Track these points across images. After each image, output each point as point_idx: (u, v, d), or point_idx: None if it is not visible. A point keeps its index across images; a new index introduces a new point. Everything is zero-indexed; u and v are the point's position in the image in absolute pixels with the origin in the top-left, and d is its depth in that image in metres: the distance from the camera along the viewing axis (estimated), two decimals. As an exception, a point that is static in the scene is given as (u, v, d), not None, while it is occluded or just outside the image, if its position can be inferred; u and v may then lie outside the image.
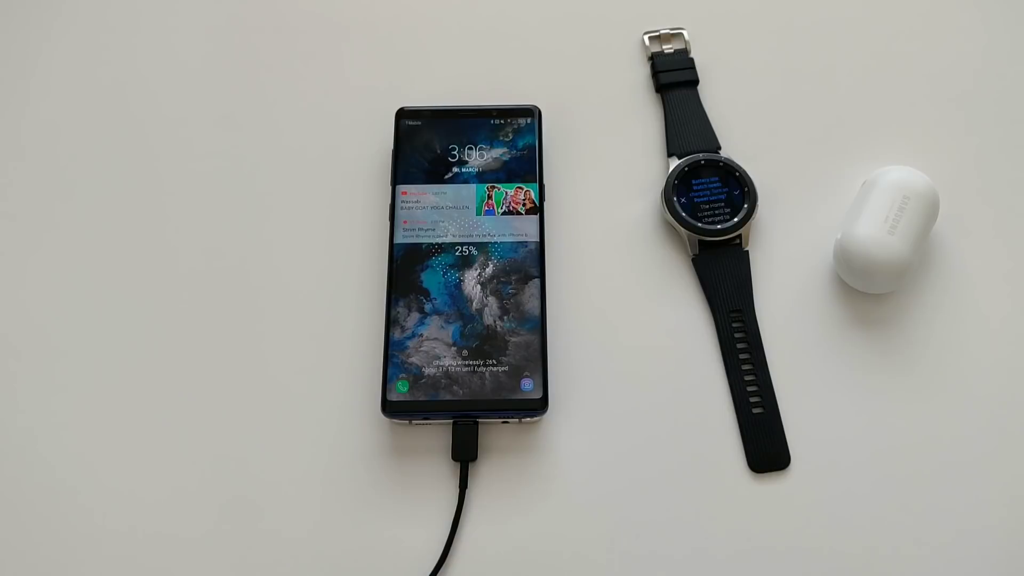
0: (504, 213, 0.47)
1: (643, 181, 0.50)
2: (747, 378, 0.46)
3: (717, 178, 0.48)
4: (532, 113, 0.49)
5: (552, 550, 0.43)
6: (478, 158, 0.48)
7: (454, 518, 0.43)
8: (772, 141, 0.50)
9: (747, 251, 0.48)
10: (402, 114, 0.49)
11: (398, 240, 0.47)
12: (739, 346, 0.46)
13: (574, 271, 0.48)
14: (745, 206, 0.48)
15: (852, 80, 0.52)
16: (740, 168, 0.48)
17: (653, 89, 0.52)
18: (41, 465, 0.45)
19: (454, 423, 0.44)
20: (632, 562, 0.43)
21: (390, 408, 0.44)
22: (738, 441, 0.45)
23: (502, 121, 0.49)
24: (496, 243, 0.47)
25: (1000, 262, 0.48)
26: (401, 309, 0.45)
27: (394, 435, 0.45)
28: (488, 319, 0.45)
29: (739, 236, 0.48)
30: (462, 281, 0.46)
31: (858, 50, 0.52)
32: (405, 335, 0.45)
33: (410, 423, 0.45)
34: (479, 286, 0.46)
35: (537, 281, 0.46)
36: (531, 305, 0.45)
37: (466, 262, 0.46)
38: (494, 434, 0.45)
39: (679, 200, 0.48)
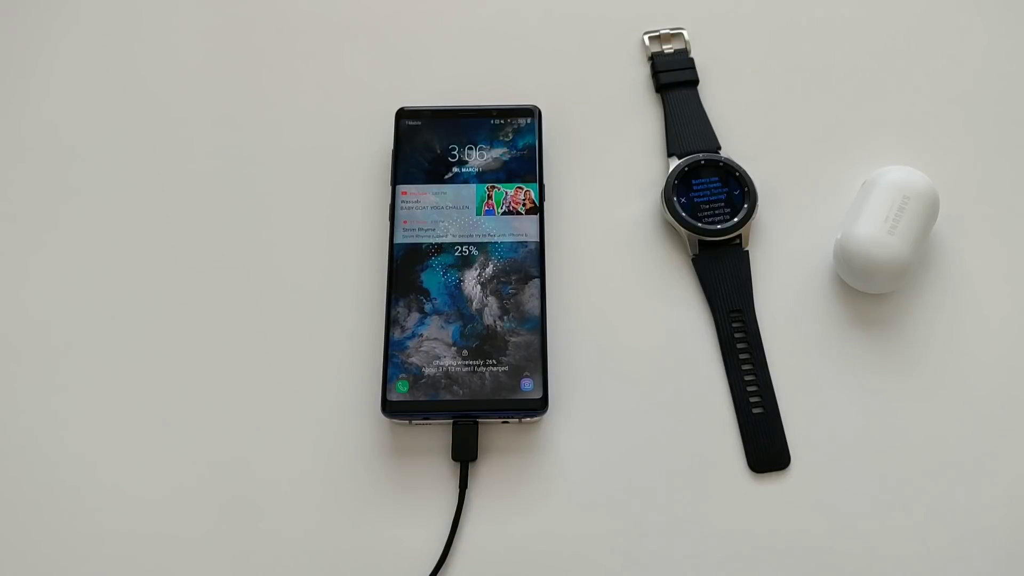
0: (504, 213, 0.47)
1: (643, 181, 0.50)
2: (747, 378, 0.46)
3: (717, 178, 0.48)
4: (532, 113, 0.49)
5: (552, 550, 0.43)
6: (478, 158, 0.48)
7: (454, 518, 0.43)
8: (772, 141, 0.50)
9: (747, 251, 0.48)
10: (402, 114, 0.49)
11: (398, 240, 0.47)
12: (739, 346, 0.46)
13: (574, 271, 0.48)
14: (745, 206, 0.48)
15: (852, 80, 0.52)
16: (740, 168, 0.48)
17: (653, 89, 0.52)
18: (41, 465, 0.45)
19: (454, 423, 0.44)
20: (632, 562, 0.43)
21: (390, 408, 0.44)
22: (738, 441, 0.45)
23: (502, 121, 0.49)
24: (496, 243, 0.47)
25: (1000, 262, 0.48)
26: (401, 309, 0.45)
27: (394, 435, 0.45)
28: (488, 319, 0.45)
29: (739, 236, 0.48)
30: (462, 281, 0.46)
31: (858, 50, 0.52)
32: (405, 335, 0.45)
33: (410, 423, 0.45)
34: (479, 286, 0.46)
35: (537, 281, 0.46)
36: (531, 305, 0.45)
37: (466, 262, 0.46)
38: (494, 434, 0.45)
39: (679, 200, 0.48)
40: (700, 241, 0.48)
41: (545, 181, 0.49)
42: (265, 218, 0.49)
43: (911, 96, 0.51)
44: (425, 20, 0.53)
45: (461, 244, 0.47)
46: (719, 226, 0.47)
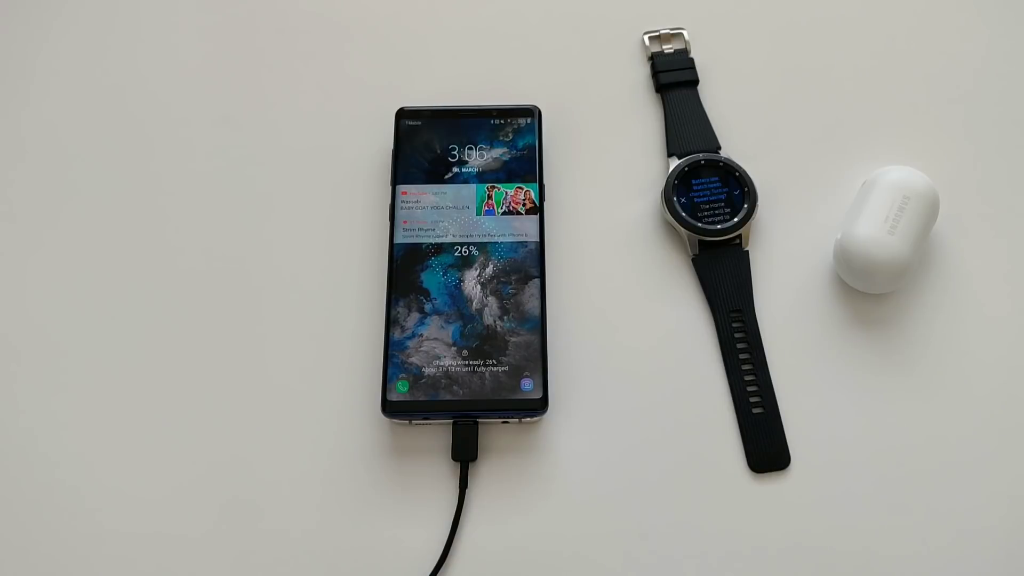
0: (504, 213, 0.47)
1: (643, 181, 0.50)
2: (747, 378, 0.46)
3: (717, 178, 0.48)
4: (532, 113, 0.49)
5: (552, 550, 0.43)
6: (478, 158, 0.48)
7: (454, 518, 0.43)
8: (772, 141, 0.50)
9: (747, 251, 0.48)
10: (402, 114, 0.49)
11: (398, 240, 0.47)
12: (739, 346, 0.46)
13: (574, 271, 0.48)
14: (745, 206, 0.48)
15: (852, 80, 0.52)
16: (740, 168, 0.48)
17: (653, 89, 0.52)
18: (41, 465, 0.45)
19: (454, 423, 0.44)
20: (632, 562, 0.43)
21: (390, 408, 0.44)
22: (738, 441, 0.45)
23: (502, 121, 0.49)
24: (496, 243, 0.47)
25: (1000, 262, 0.48)
26: (401, 309, 0.45)
27: (394, 435, 0.45)
28: (488, 319, 0.45)
29: (739, 236, 0.48)
30: (462, 281, 0.46)
31: (858, 50, 0.52)
32: (405, 335, 0.45)
33: (410, 423, 0.45)
34: (479, 286, 0.46)
35: (537, 281, 0.46)
36: (531, 305, 0.45)
37: (466, 262, 0.46)
38: (494, 434, 0.45)
39: (679, 200, 0.48)
40: (700, 241, 0.48)
41: (545, 181, 0.49)
42: (265, 218, 0.49)
43: (911, 96, 0.51)
44: (425, 20, 0.53)
45: (461, 244, 0.47)
46: (719, 226, 0.47)
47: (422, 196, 0.47)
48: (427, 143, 0.49)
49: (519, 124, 0.49)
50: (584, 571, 0.43)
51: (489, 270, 0.46)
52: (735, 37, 0.53)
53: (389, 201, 0.48)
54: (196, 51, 0.52)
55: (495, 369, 0.44)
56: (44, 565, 0.43)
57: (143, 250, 0.48)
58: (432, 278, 0.46)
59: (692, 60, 0.52)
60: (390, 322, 0.45)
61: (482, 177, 0.48)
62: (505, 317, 0.45)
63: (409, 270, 0.46)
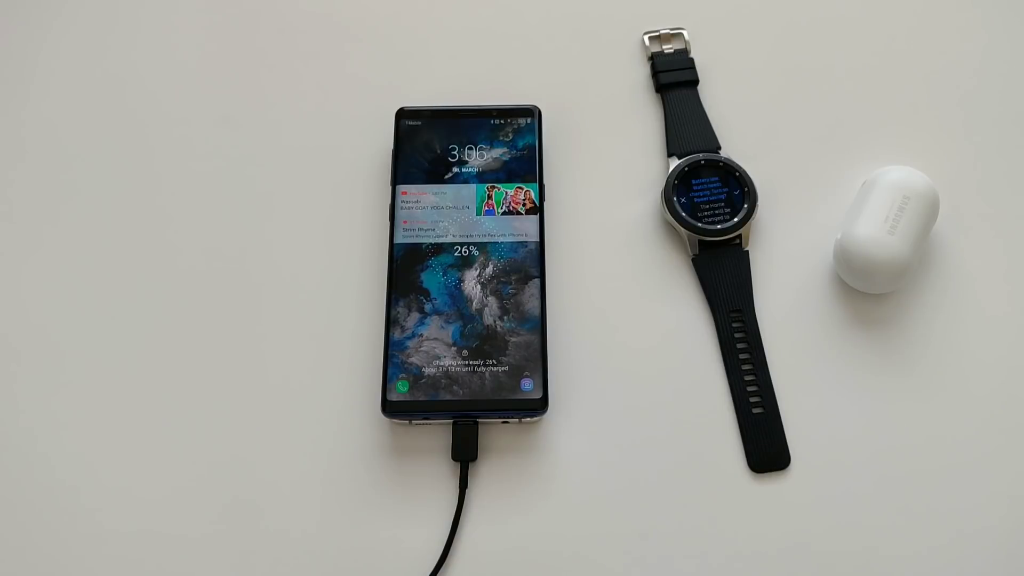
0: (504, 213, 0.47)
1: (643, 181, 0.50)
2: (747, 378, 0.46)
3: (717, 178, 0.48)
4: (532, 113, 0.49)
5: (552, 550, 0.43)
6: (478, 158, 0.48)
7: (454, 518, 0.43)
8: (772, 141, 0.50)
9: (747, 251, 0.48)
10: (402, 114, 0.49)
11: (398, 240, 0.47)
12: (739, 346, 0.46)
13: (574, 271, 0.48)
14: (745, 206, 0.48)
15: (852, 80, 0.52)
16: (740, 168, 0.48)
17: (653, 89, 0.52)
18: (42, 465, 0.45)
19: (454, 423, 0.44)
20: (632, 562, 0.43)
21: (390, 408, 0.44)
22: (738, 441, 0.45)
23: (502, 121, 0.49)
24: (496, 243, 0.47)
25: (1000, 262, 0.48)
26: (401, 309, 0.45)
27: (394, 435, 0.45)
28: (488, 319, 0.45)
29: (739, 236, 0.48)
30: (462, 281, 0.46)
31: (858, 50, 0.52)
32: (405, 335, 0.45)
33: (410, 423, 0.45)
34: (479, 286, 0.46)
35: (537, 281, 0.46)
36: (531, 305, 0.45)
37: (466, 262, 0.46)
38: (494, 434, 0.45)
39: (679, 200, 0.48)
40: (700, 241, 0.48)
41: (545, 181, 0.49)
42: (265, 218, 0.49)
43: (911, 96, 0.51)
44: (425, 20, 0.53)
45: (461, 244, 0.47)
46: (719, 226, 0.47)
47: (422, 196, 0.47)
48: (427, 143, 0.49)
49: (519, 124, 0.49)
50: (584, 571, 0.43)
51: (489, 270, 0.46)
52: (735, 37, 0.53)
53: (389, 201, 0.48)
54: (196, 51, 0.52)
55: (495, 369, 0.44)
56: (44, 565, 0.43)
57: (143, 250, 0.48)
58: (432, 278, 0.46)
59: (692, 60, 0.52)
60: (390, 322, 0.45)
61: (482, 177, 0.48)
62: (505, 317, 0.45)
63: (409, 270, 0.46)
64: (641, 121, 0.51)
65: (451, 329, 0.45)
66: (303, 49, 0.52)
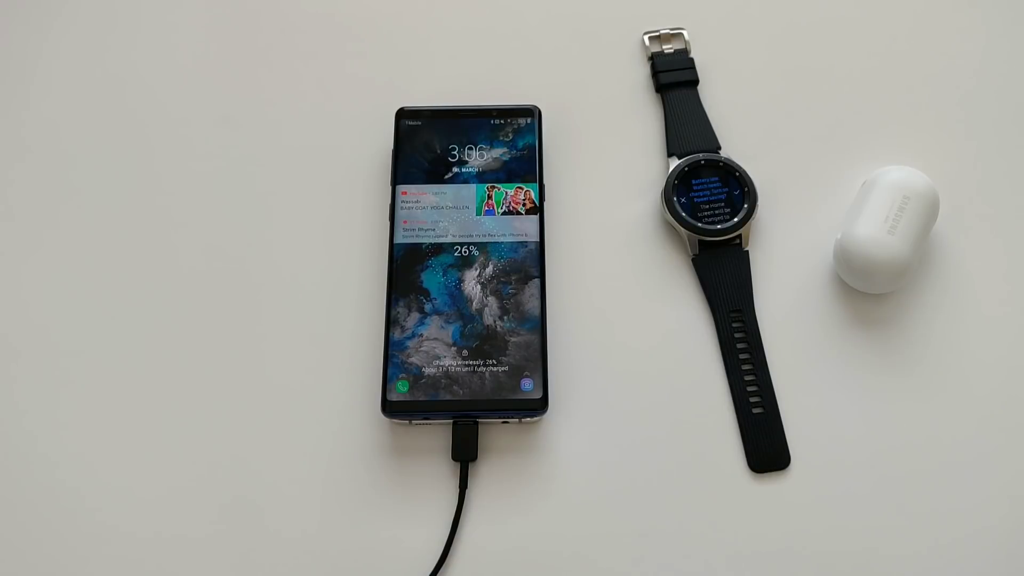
0: (504, 213, 0.47)
1: (643, 181, 0.50)
2: (747, 378, 0.46)
3: (717, 178, 0.48)
4: (532, 113, 0.49)
5: (552, 550, 0.43)
6: (478, 158, 0.48)
7: (454, 518, 0.43)
8: (772, 141, 0.50)
9: (747, 251, 0.48)
10: (402, 114, 0.49)
11: (398, 240, 0.47)
12: (739, 346, 0.46)
13: (574, 271, 0.48)
14: (745, 206, 0.48)
15: (852, 80, 0.52)
16: (740, 168, 0.48)
17: (653, 89, 0.52)
18: (42, 465, 0.45)
19: (454, 423, 0.44)
20: (632, 562, 0.43)
21: (390, 408, 0.44)
22: (738, 441, 0.45)
23: (502, 121, 0.49)
24: (496, 243, 0.47)
25: (1000, 262, 0.48)
26: (401, 309, 0.45)
27: (394, 435, 0.45)
28: (488, 319, 0.45)
29: (739, 236, 0.48)
30: (462, 281, 0.46)
31: (858, 50, 0.52)
32: (405, 335, 0.45)
33: (410, 423, 0.45)
34: (479, 286, 0.46)
35: (537, 281, 0.46)
36: (531, 305, 0.45)
37: (466, 262, 0.46)
38: (494, 434, 0.45)
39: (679, 200, 0.48)
40: (700, 241, 0.48)
41: (545, 181, 0.49)
42: (265, 218, 0.49)
43: (911, 96, 0.51)
44: (425, 20, 0.53)
45: (461, 244, 0.47)
46: (719, 226, 0.47)
47: (422, 196, 0.47)
48: (427, 143, 0.49)
49: (519, 124, 0.49)
50: (584, 571, 0.43)
51: (489, 270, 0.46)
52: (735, 37, 0.53)
53: (389, 201, 0.48)
54: (196, 51, 0.52)
55: (495, 369, 0.44)
56: (45, 565, 0.43)
57: (143, 250, 0.48)
58: (432, 278, 0.46)
59: (692, 60, 0.52)
60: (390, 322, 0.45)
61: (482, 177, 0.48)
62: (505, 317, 0.45)
63: (409, 270, 0.46)
64: (641, 121, 0.51)
65: (451, 329, 0.45)
66: (303, 49, 0.52)
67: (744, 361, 0.46)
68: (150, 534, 0.44)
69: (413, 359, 0.44)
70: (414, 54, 0.52)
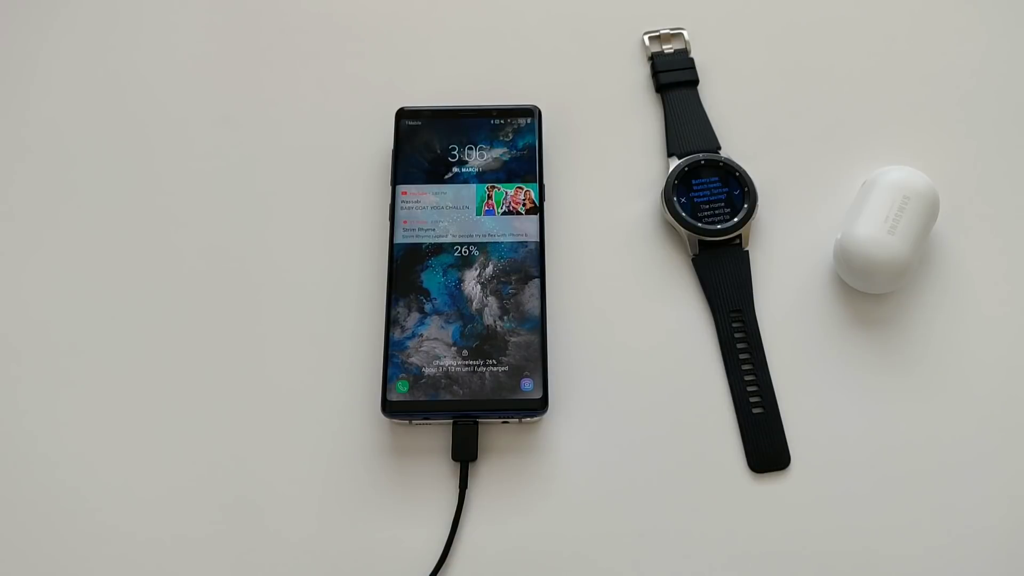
0: (504, 213, 0.47)
1: (643, 181, 0.50)
2: (747, 378, 0.46)
3: (717, 178, 0.48)
4: (532, 113, 0.49)
5: (552, 550, 0.43)
6: (478, 158, 0.48)
7: (454, 518, 0.43)
8: (772, 141, 0.50)
9: (747, 251, 0.48)
10: (402, 114, 0.49)
11: (398, 240, 0.47)
12: (739, 346, 0.46)
13: (574, 271, 0.48)
14: (745, 206, 0.48)
15: (852, 80, 0.52)
16: (740, 168, 0.48)
17: (653, 89, 0.52)
18: (42, 465, 0.45)
19: (454, 423, 0.44)
20: (632, 562, 0.43)
21: (390, 408, 0.44)
22: (738, 441, 0.45)
23: (502, 121, 0.49)
24: (496, 243, 0.47)
25: (999, 262, 0.48)
26: (401, 309, 0.45)
27: (394, 435, 0.45)
28: (488, 319, 0.45)
29: (739, 236, 0.48)
30: (462, 281, 0.46)
31: (858, 50, 0.52)
32: (405, 335, 0.45)
33: (410, 423, 0.45)
34: (479, 286, 0.46)
35: (537, 281, 0.46)
36: (531, 305, 0.45)
37: (466, 262, 0.46)
38: (494, 434, 0.45)
39: (679, 200, 0.48)
40: (700, 241, 0.48)
41: (545, 181, 0.49)
42: (265, 218, 0.49)
43: (911, 96, 0.51)
44: (425, 20, 0.53)
45: (461, 244, 0.47)
46: (719, 226, 0.47)
47: (422, 196, 0.47)
48: (427, 143, 0.49)
49: (519, 124, 0.49)
50: (584, 571, 0.43)
51: (489, 270, 0.46)
52: (735, 37, 0.53)
53: (389, 201, 0.48)
54: (196, 51, 0.52)
55: (495, 369, 0.44)
56: (45, 565, 0.43)
57: (143, 250, 0.48)
58: (432, 278, 0.46)
59: (692, 60, 0.52)
60: (390, 322, 0.45)
61: (482, 177, 0.48)
62: (505, 317, 0.45)
63: (409, 270, 0.46)
64: (641, 121, 0.51)
65: (451, 329, 0.45)
66: (303, 49, 0.52)
67: (744, 361, 0.46)
68: (150, 534, 0.44)
69: (413, 359, 0.44)
70: (414, 54, 0.52)
